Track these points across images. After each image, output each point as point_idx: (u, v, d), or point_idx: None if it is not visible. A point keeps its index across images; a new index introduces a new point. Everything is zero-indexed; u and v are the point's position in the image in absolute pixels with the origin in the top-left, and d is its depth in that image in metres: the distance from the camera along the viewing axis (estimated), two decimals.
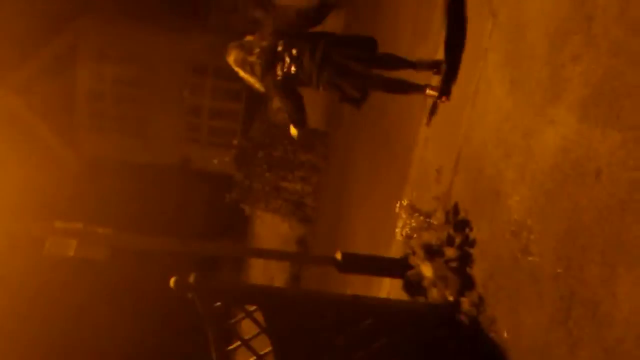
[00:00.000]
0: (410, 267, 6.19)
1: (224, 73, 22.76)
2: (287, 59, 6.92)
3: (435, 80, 7.11)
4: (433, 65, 7.15)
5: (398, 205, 6.69)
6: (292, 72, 6.91)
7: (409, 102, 8.51)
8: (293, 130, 7.69)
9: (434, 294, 5.68)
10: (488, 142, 5.65)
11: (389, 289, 7.71)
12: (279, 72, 6.96)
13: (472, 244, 5.49)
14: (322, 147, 15.15)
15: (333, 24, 14.37)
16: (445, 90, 6.87)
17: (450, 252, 5.59)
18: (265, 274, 16.22)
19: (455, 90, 6.89)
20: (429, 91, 7.03)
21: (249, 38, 7.30)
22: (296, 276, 15.45)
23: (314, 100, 15.18)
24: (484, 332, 4.98)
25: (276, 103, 15.16)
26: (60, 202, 19.50)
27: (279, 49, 6.95)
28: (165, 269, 6.01)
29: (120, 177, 22.17)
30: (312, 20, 7.06)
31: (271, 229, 15.98)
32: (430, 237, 6.01)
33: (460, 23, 6.73)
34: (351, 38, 7.58)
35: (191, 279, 4.99)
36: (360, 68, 6.94)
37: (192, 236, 10.57)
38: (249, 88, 7.54)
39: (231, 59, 7.25)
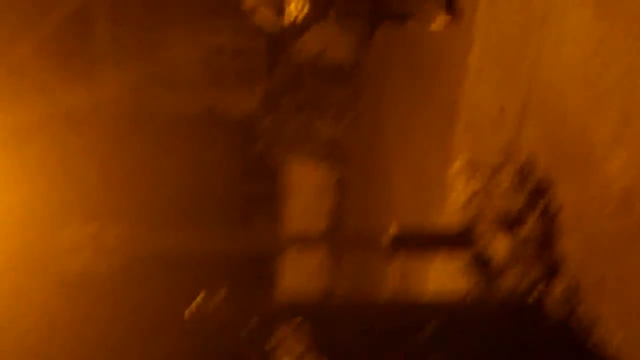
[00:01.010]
0: (475, 241, 5.07)
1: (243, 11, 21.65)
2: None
3: None
4: None
5: (455, 167, 5.55)
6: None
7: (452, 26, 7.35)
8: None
9: (509, 278, 4.56)
10: (570, 81, 4.47)
11: (443, 271, 6.56)
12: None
13: (559, 210, 4.35)
14: (352, 82, 13.98)
15: None
16: None
17: (530, 223, 4.45)
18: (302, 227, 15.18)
19: (514, 15, 5.70)
20: None
21: None
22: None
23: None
24: (582, 335, 3.86)
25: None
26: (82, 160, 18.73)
27: None
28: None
29: (142, 125, 21.27)
30: None
31: (304, 176, 14.93)
32: (501, 202, 4.87)
33: None
34: None
35: (221, 294, 3.95)
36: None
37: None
38: None
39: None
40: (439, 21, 7.14)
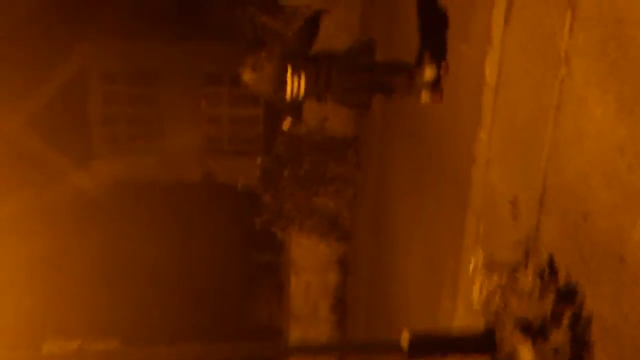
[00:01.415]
0: (496, 348, 4.72)
1: (239, 79, 21.58)
2: (295, 83, 7.26)
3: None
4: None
5: (471, 266, 5.23)
6: (300, 93, 7.33)
7: (457, 103, 7.10)
8: (286, 124, 7.94)
9: None
10: (592, 178, 4.19)
11: None
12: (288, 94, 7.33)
13: (589, 321, 4.03)
14: (353, 155, 13.73)
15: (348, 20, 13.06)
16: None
17: (558, 334, 4.12)
18: (308, 302, 14.79)
19: (524, 100, 5.45)
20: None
21: (260, 55, 7.48)
22: (341, 300, 14.11)
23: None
24: None
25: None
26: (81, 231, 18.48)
27: (287, 72, 7.25)
28: None
29: (141, 200, 21.09)
30: (311, 33, 7.51)
31: (308, 251, 14.58)
32: (523, 306, 4.54)
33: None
34: (350, 50, 7.79)
35: None
36: (363, 78, 7.49)
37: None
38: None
39: (246, 77, 7.49)
40: (424, 97, 7.64)
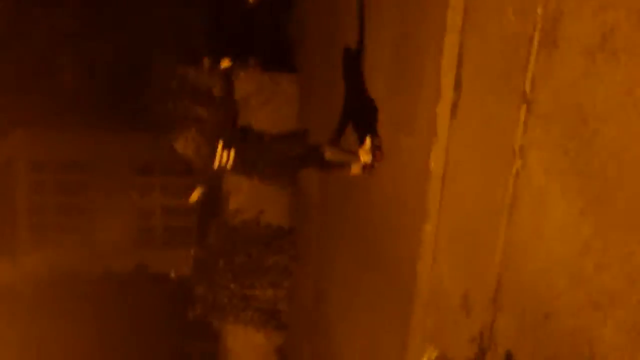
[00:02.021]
0: None
1: (172, 169, 21.51)
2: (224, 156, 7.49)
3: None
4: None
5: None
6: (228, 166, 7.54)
7: (402, 195, 6.99)
8: (195, 194, 7.87)
9: None
10: (555, 278, 4.06)
11: None
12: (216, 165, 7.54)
13: None
14: (290, 246, 13.50)
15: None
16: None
17: None
18: None
19: (474, 193, 5.36)
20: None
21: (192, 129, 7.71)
22: None
23: (274, 189, 13.70)
24: None
25: (233, 204, 13.60)
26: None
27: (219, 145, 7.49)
28: None
29: (69, 294, 20.41)
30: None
31: (245, 341, 14.17)
32: None
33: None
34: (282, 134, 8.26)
35: None
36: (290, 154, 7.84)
37: None
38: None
39: (178, 146, 7.66)
40: (355, 168, 7.96)
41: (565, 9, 4.14)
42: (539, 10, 4.42)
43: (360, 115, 8.29)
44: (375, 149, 7.78)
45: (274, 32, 15.12)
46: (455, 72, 5.79)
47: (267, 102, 13.07)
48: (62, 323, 18.41)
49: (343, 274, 9.87)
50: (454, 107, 5.81)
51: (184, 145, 7.60)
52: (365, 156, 7.86)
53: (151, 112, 21.59)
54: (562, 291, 3.97)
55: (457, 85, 5.77)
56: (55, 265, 22.03)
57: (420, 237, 6.54)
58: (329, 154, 7.92)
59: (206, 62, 13.37)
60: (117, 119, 21.50)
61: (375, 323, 7.95)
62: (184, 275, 14.18)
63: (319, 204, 11.57)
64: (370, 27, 8.53)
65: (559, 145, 4.10)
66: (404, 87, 7.25)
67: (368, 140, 7.83)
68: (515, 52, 4.73)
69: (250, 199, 13.69)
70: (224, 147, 7.48)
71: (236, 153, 7.51)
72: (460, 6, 5.74)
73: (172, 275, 14.04)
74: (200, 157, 7.61)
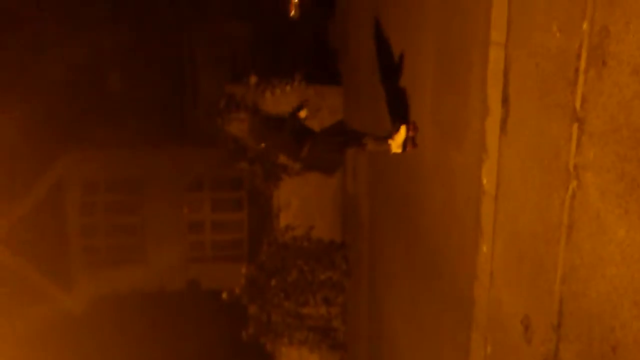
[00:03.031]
0: None
1: (221, 183, 21.55)
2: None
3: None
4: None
5: None
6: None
7: (455, 213, 6.76)
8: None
9: None
10: (620, 307, 3.81)
11: None
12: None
13: None
14: (342, 261, 13.32)
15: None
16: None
17: None
18: None
19: (529, 213, 5.12)
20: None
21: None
22: None
23: (324, 205, 13.57)
24: None
25: (283, 221, 13.49)
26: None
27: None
28: None
29: (123, 314, 20.49)
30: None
31: None
32: None
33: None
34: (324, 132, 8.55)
35: None
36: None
37: None
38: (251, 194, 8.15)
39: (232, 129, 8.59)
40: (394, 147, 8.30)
41: (612, 28, 3.91)
42: (585, 27, 4.19)
43: (397, 106, 8.73)
44: (408, 141, 8.20)
45: (317, 45, 15.03)
46: (502, 87, 5.56)
47: (313, 117, 12.95)
48: (118, 343, 18.48)
49: (398, 294, 9.65)
50: (503, 122, 5.58)
51: (238, 127, 8.20)
52: (396, 148, 8.28)
53: (200, 128, 21.73)
54: (630, 322, 3.72)
55: (505, 100, 5.54)
56: (108, 285, 22.21)
57: (476, 258, 6.32)
58: (371, 146, 8.48)
59: (253, 79, 13.35)
60: (165, 135, 21.64)
61: (433, 348, 7.73)
62: (236, 294, 14.04)
63: (370, 220, 11.38)
64: (412, 36, 8.33)
65: (614, 168, 3.86)
66: (450, 100, 7.04)
67: (403, 131, 8.20)
68: (562, 68, 4.51)
69: (301, 215, 13.58)
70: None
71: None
72: (504, 20, 5.52)
73: (224, 296, 13.89)
74: (252, 136, 8.16)
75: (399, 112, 8.63)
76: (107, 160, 22.45)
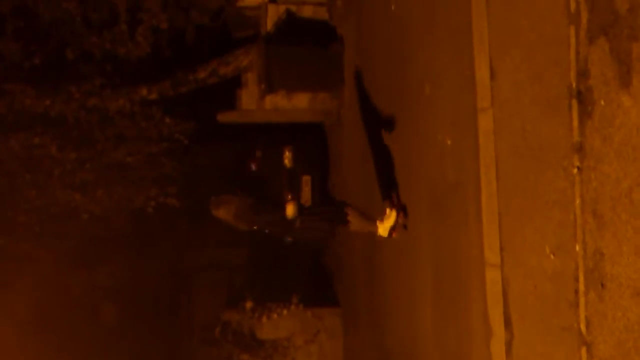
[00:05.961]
0: None
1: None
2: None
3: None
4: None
5: None
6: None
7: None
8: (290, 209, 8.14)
9: None
10: None
11: None
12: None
13: None
14: None
15: None
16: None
17: None
18: None
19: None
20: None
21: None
22: None
23: None
24: None
25: None
26: None
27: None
28: None
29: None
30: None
31: None
32: None
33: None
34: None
35: None
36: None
37: None
38: None
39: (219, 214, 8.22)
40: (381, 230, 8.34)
41: (605, 251, 3.91)
42: (578, 249, 4.19)
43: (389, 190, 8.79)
44: (396, 227, 8.23)
45: (313, 267, 15.10)
46: (502, 309, 5.48)
47: (312, 341, 12.87)
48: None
49: None
50: (509, 346, 5.45)
51: (226, 211, 8.09)
52: (383, 232, 8.31)
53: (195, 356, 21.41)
54: None
55: (507, 322, 5.44)
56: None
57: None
58: (355, 223, 8.42)
59: (248, 304, 13.28)
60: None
61: None
62: None
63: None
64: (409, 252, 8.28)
65: None
66: (452, 323, 6.90)
67: (393, 216, 8.22)
68: (561, 290, 4.47)
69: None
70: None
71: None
72: (496, 241, 5.55)
73: None
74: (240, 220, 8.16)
75: (391, 192, 8.71)
76: None
